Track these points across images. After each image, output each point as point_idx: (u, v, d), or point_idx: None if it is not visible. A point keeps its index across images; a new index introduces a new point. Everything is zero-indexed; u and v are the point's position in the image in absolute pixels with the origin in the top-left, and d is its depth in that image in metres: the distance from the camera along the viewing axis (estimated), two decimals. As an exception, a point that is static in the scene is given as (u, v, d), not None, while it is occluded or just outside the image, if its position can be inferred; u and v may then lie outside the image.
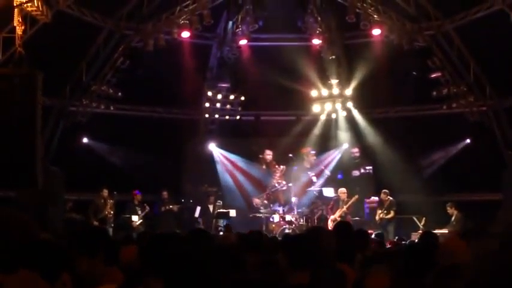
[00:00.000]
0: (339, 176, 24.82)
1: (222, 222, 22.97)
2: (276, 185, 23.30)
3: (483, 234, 7.09)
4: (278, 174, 23.47)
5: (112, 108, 23.67)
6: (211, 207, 23.79)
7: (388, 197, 22.21)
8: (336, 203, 22.60)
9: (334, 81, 24.58)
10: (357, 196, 22.54)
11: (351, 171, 24.57)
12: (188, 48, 23.87)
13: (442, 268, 4.83)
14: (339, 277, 5.58)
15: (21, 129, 17.64)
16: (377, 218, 22.22)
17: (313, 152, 24.55)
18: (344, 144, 25.31)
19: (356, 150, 24.73)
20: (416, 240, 13.01)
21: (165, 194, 23.59)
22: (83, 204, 22.34)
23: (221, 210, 23.63)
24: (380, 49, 23.29)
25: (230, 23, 23.62)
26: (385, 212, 21.96)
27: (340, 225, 8.82)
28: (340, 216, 22.00)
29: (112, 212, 22.20)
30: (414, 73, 22.96)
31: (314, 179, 24.01)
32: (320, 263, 5.72)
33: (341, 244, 6.79)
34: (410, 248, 8.34)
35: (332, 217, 22.18)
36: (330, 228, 18.21)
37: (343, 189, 22.79)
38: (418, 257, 6.27)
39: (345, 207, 22.16)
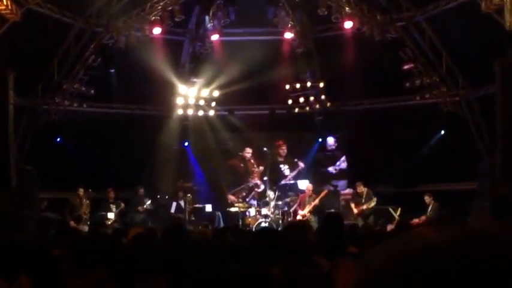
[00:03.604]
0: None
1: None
2: (252, 185, 23.34)
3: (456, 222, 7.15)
4: (255, 175, 23.51)
5: (85, 106, 23.57)
6: (182, 203, 23.75)
7: (364, 187, 22.22)
8: (303, 198, 22.55)
9: (307, 75, 24.66)
10: (326, 191, 22.58)
11: (326, 165, 24.65)
12: (160, 45, 23.81)
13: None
14: (313, 270, 5.58)
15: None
16: (356, 210, 22.11)
17: (284, 145, 24.62)
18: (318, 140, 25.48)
19: (332, 142, 24.82)
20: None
21: (141, 191, 23.59)
22: (58, 203, 22.27)
23: (197, 205, 23.65)
24: (352, 41, 23.33)
25: (206, 17, 23.57)
26: (368, 202, 21.89)
27: (330, 217, 8.58)
28: (310, 211, 21.97)
29: (88, 210, 22.17)
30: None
31: (287, 171, 24.07)
32: (296, 257, 5.73)
33: (331, 237, 6.76)
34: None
35: (301, 212, 22.12)
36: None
37: (310, 185, 22.83)
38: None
39: (316, 200, 22.10)
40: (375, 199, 21.85)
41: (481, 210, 20.51)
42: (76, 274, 4.97)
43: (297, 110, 25.49)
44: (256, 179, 23.50)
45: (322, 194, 22.31)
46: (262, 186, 23.37)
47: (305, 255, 5.91)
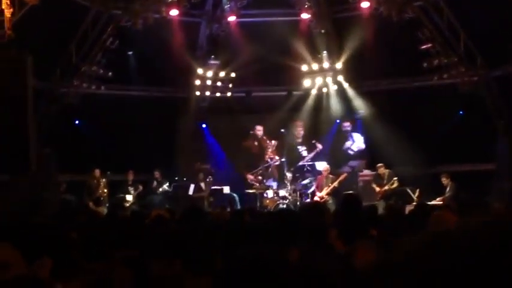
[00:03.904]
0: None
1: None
2: (269, 160, 23.30)
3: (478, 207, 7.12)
4: (270, 150, 23.44)
5: (103, 89, 23.60)
6: (203, 185, 23.81)
7: (386, 169, 22.21)
8: (320, 180, 22.55)
9: (324, 55, 24.59)
10: (345, 174, 22.52)
11: (347, 148, 24.58)
12: (177, 26, 23.80)
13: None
14: (329, 253, 5.59)
15: (13, 113, 17.62)
16: (378, 190, 22.14)
17: (302, 126, 24.58)
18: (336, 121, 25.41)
19: (347, 124, 24.72)
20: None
21: (157, 173, 23.72)
22: (77, 185, 22.43)
23: (215, 187, 23.70)
24: (369, 22, 23.23)
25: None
26: (390, 183, 21.94)
27: (349, 199, 8.40)
28: (328, 193, 21.98)
29: (106, 192, 22.32)
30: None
31: (305, 153, 24.04)
32: (313, 239, 5.74)
33: (349, 219, 6.73)
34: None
35: (319, 194, 22.13)
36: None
37: (327, 167, 22.77)
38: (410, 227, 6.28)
39: (336, 183, 22.08)
40: (396, 180, 21.85)
41: (500, 191, 20.46)
42: (88, 259, 5.02)
43: (314, 91, 25.45)
44: (271, 154, 23.46)
45: (342, 177, 22.21)
46: (278, 158, 23.36)
47: (322, 238, 5.92)
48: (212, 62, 24.94)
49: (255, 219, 9.24)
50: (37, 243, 4.15)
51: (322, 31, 24.31)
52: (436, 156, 23.35)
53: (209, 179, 23.96)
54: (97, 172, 22.23)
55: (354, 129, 24.78)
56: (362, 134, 24.75)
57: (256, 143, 24.01)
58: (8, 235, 4.16)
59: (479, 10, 21.56)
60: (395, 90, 24.88)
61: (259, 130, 23.98)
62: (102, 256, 5.23)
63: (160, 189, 23.58)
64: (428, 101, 23.82)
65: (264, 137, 23.84)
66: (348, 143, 24.53)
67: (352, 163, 24.18)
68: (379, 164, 22.47)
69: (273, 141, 23.51)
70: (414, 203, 19.23)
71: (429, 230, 5.92)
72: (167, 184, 23.71)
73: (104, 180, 22.36)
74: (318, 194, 22.12)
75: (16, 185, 18.51)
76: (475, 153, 22.70)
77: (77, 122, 24.18)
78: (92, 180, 22.20)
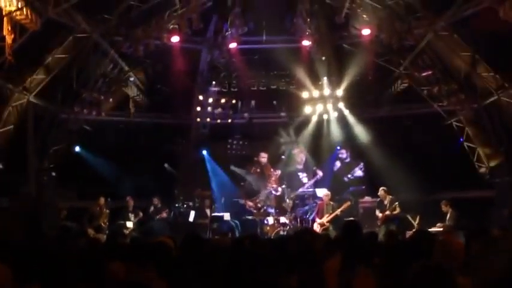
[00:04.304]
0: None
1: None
2: (272, 190, 23.25)
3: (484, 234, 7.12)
4: (273, 179, 23.42)
5: (103, 115, 23.59)
6: (208, 212, 23.73)
7: (389, 195, 22.05)
8: (321, 206, 22.43)
9: (325, 82, 24.60)
10: (349, 202, 22.35)
11: (343, 175, 24.56)
12: (178, 53, 23.81)
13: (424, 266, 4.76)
14: (322, 279, 5.57)
15: (14, 138, 17.65)
16: (380, 215, 21.99)
17: (302, 153, 24.61)
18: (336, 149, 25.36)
19: (343, 151, 24.73)
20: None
21: (155, 200, 23.62)
22: (77, 212, 22.33)
23: (216, 214, 23.59)
24: (370, 49, 23.23)
25: (225, 26, 23.62)
26: (391, 208, 21.71)
27: (349, 226, 8.35)
28: (329, 221, 21.87)
29: (107, 220, 22.22)
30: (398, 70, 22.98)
31: (305, 179, 24.02)
32: (307, 265, 5.72)
33: (350, 246, 6.71)
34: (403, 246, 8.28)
35: (319, 221, 22.02)
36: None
37: (327, 193, 22.66)
38: (411, 255, 6.25)
39: (338, 211, 21.94)
40: (397, 205, 21.67)
41: (499, 218, 20.42)
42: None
43: (315, 117, 25.43)
44: (273, 183, 23.43)
45: (345, 206, 22.02)
46: (280, 189, 23.33)
47: (313, 264, 5.90)
48: (213, 88, 24.98)
49: (255, 246, 9.20)
50: (31, 266, 4.14)
51: (323, 58, 24.33)
52: (436, 183, 23.31)
53: (214, 206, 23.89)
54: (102, 200, 22.14)
55: (352, 157, 24.79)
56: (361, 161, 24.74)
57: (259, 170, 23.99)
58: (3, 256, 4.14)
59: (479, 38, 21.58)
60: (396, 116, 24.90)
61: (264, 157, 23.99)
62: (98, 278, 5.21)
63: (158, 216, 23.46)
64: (428, 128, 23.82)
65: (268, 165, 23.86)
66: (337, 163, 24.58)
67: (352, 189, 24.14)
68: (382, 188, 22.28)
69: (278, 171, 23.52)
70: (414, 230, 19.17)
71: (435, 253, 5.92)
72: (166, 211, 23.60)
73: (107, 211, 22.29)
74: (318, 220, 22.01)
75: (15, 209, 18.48)
76: (474, 180, 22.68)
77: (77, 148, 24.12)
78: (95, 207, 22.10)
